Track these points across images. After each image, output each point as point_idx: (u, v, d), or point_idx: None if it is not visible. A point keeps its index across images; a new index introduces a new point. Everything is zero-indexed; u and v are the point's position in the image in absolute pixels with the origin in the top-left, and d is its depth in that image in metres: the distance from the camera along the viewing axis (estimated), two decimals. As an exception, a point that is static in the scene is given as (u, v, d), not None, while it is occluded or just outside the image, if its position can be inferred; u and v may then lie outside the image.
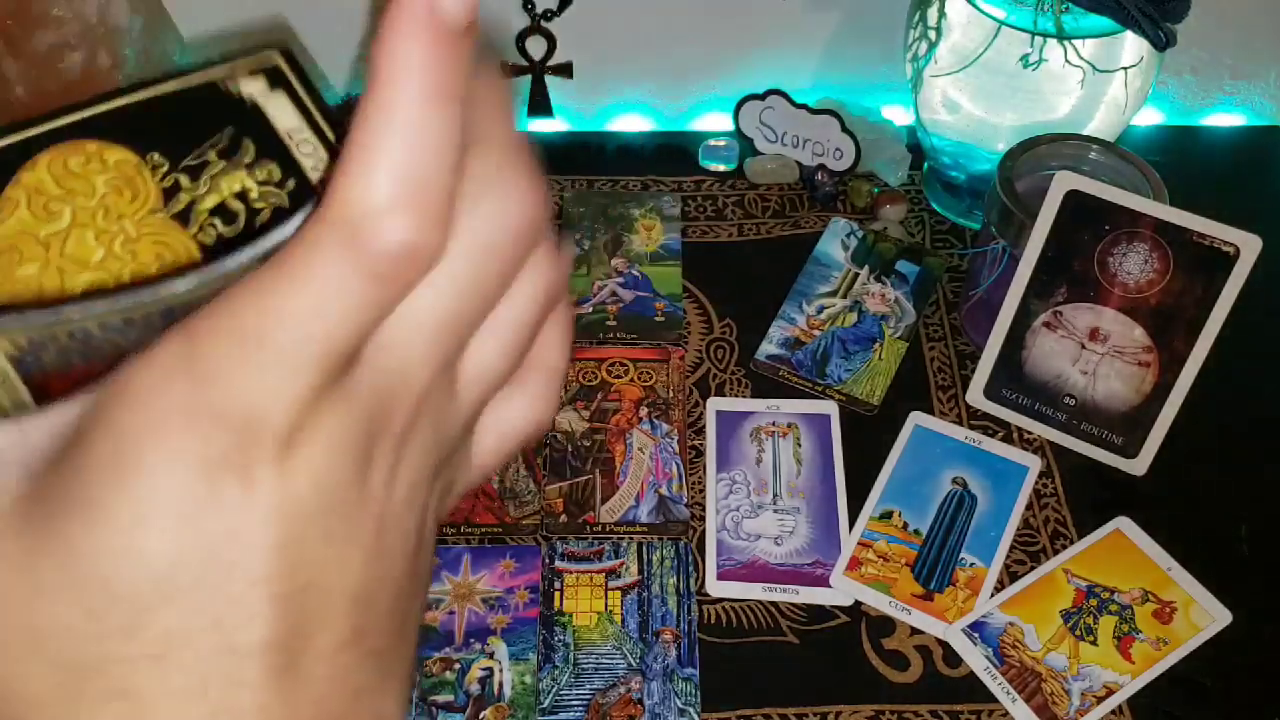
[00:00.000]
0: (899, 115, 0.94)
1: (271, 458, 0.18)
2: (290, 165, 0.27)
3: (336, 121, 0.27)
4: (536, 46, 0.92)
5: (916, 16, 0.80)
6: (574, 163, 0.93)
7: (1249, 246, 0.65)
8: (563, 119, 0.98)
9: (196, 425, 0.18)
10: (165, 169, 0.26)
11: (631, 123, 0.98)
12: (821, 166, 0.90)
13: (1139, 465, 0.73)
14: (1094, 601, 0.66)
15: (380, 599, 0.21)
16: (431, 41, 0.21)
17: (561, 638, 0.64)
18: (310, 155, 0.27)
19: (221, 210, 0.26)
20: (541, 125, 0.98)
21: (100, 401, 0.19)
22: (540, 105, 0.96)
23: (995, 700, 0.63)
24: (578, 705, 0.62)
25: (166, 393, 0.18)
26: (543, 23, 0.91)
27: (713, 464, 0.73)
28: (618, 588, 0.67)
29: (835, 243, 0.86)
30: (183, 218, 0.26)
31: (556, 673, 0.63)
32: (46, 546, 0.18)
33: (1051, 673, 0.63)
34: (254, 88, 0.28)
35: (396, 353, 0.20)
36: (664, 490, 0.71)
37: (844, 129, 0.89)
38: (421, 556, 0.23)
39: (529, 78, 0.94)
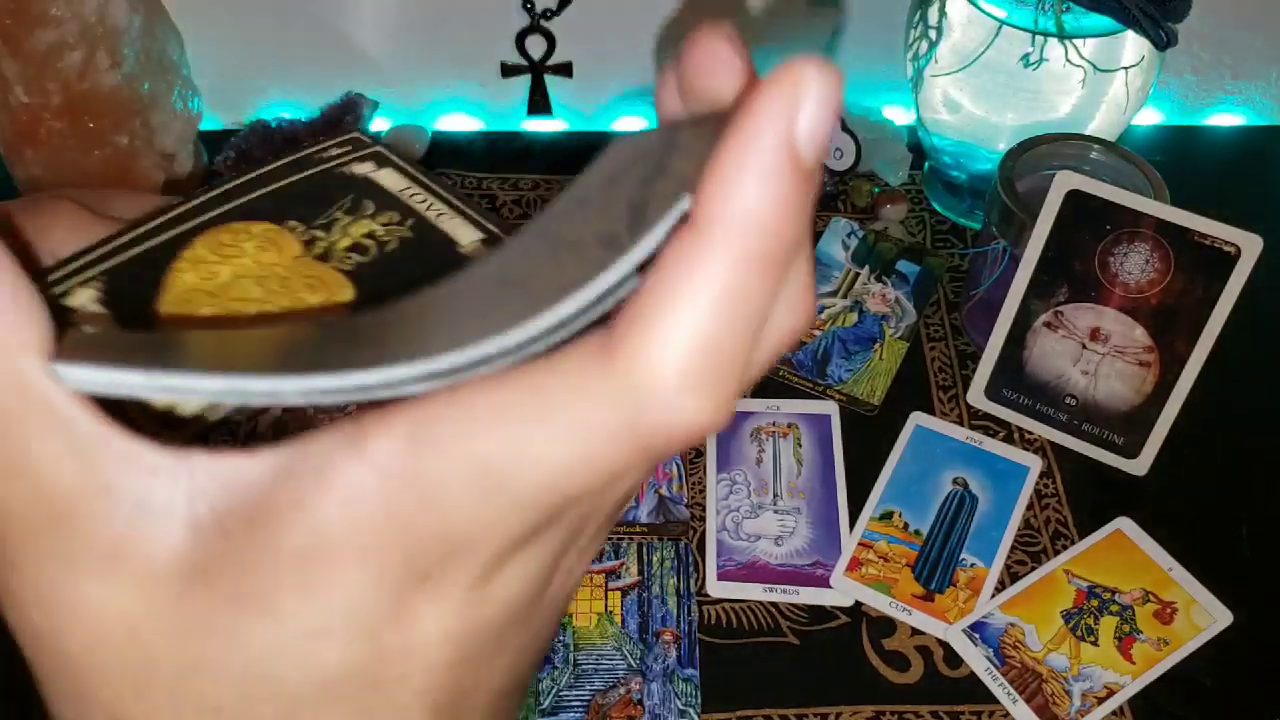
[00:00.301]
0: (899, 115, 0.94)
1: (471, 584, 0.17)
2: (407, 210, 0.32)
3: (443, 185, 0.34)
4: (536, 46, 0.92)
5: (917, 16, 0.80)
6: (574, 163, 0.93)
7: (1250, 246, 0.65)
8: (563, 119, 0.98)
9: (405, 542, 0.17)
10: (301, 229, 0.31)
11: (631, 123, 0.98)
12: (822, 166, 0.90)
13: (1140, 465, 0.72)
14: (1095, 602, 0.66)
15: (526, 672, 0.21)
16: (777, 183, 0.16)
17: (561, 638, 0.64)
18: (423, 202, 0.33)
19: (355, 247, 0.30)
20: (541, 125, 0.97)
21: (302, 483, 0.17)
22: (540, 105, 0.96)
23: (996, 701, 0.63)
24: (578, 706, 0.62)
25: (381, 500, 0.16)
26: (543, 23, 0.90)
27: (713, 464, 0.73)
28: (618, 588, 0.67)
29: (835, 243, 0.86)
30: (323, 257, 0.30)
31: (556, 673, 0.63)
32: (214, 627, 0.17)
33: (1052, 673, 0.63)
34: (364, 168, 0.36)
35: (620, 485, 0.19)
36: (664, 490, 0.71)
37: (844, 129, 0.89)
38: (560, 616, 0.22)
39: (529, 78, 0.94)
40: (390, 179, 0.36)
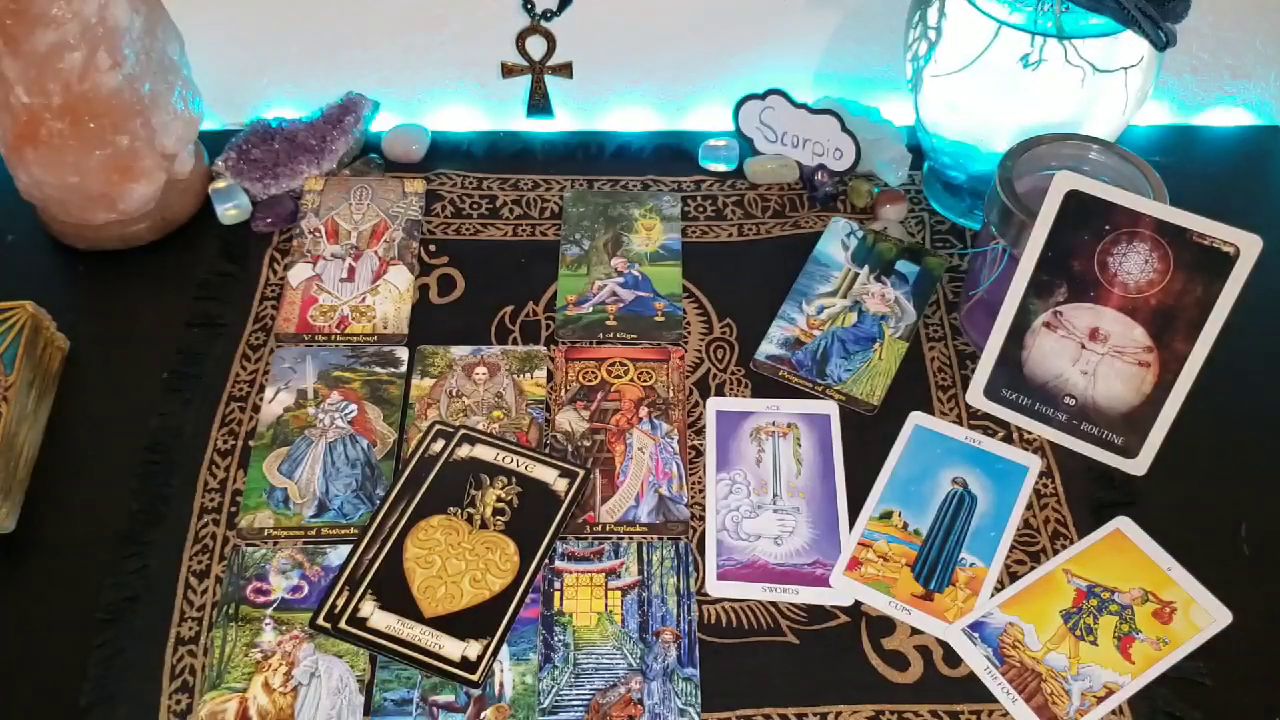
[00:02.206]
0: (899, 115, 0.94)
1: None
2: (510, 474, 0.69)
3: (513, 442, 0.70)
4: (536, 46, 0.92)
5: (916, 16, 0.80)
6: (574, 163, 0.93)
7: (1249, 246, 0.65)
8: (563, 119, 0.98)
9: None
10: (457, 511, 0.67)
11: (631, 122, 0.98)
12: (821, 166, 0.90)
13: (1139, 465, 0.73)
14: (1094, 601, 0.66)
15: None
16: None
17: (562, 638, 0.64)
18: (514, 463, 0.69)
19: (497, 512, 0.67)
20: (541, 125, 0.98)
21: None
22: (540, 105, 0.96)
23: (995, 700, 0.63)
24: (578, 705, 0.62)
25: None
26: (543, 23, 0.91)
27: (713, 464, 0.73)
28: (618, 588, 0.67)
29: (835, 243, 0.86)
30: (483, 525, 0.67)
31: (557, 673, 0.63)
32: None
33: (1051, 672, 0.63)
34: (463, 451, 0.69)
35: None
36: (664, 490, 0.71)
37: (844, 129, 0.89)
38: None
39: (529, 78, 0.94)
40: (483, 451, 0.69)
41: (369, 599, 0.64)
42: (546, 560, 0.67)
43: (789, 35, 0.93)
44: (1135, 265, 0.68)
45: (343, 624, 0.63)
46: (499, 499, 0.68)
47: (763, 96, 0.90)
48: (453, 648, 0.62)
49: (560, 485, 0.69)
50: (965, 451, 0.74)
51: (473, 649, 0.62)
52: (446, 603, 0.64)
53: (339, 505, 0.70)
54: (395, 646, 0.62)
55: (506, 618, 0.64)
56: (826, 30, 0.93)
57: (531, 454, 0.70)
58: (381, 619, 0.63)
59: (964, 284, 0.82)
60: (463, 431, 0.70)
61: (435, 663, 0.62)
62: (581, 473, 0.70)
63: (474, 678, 0.61)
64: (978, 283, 0.77)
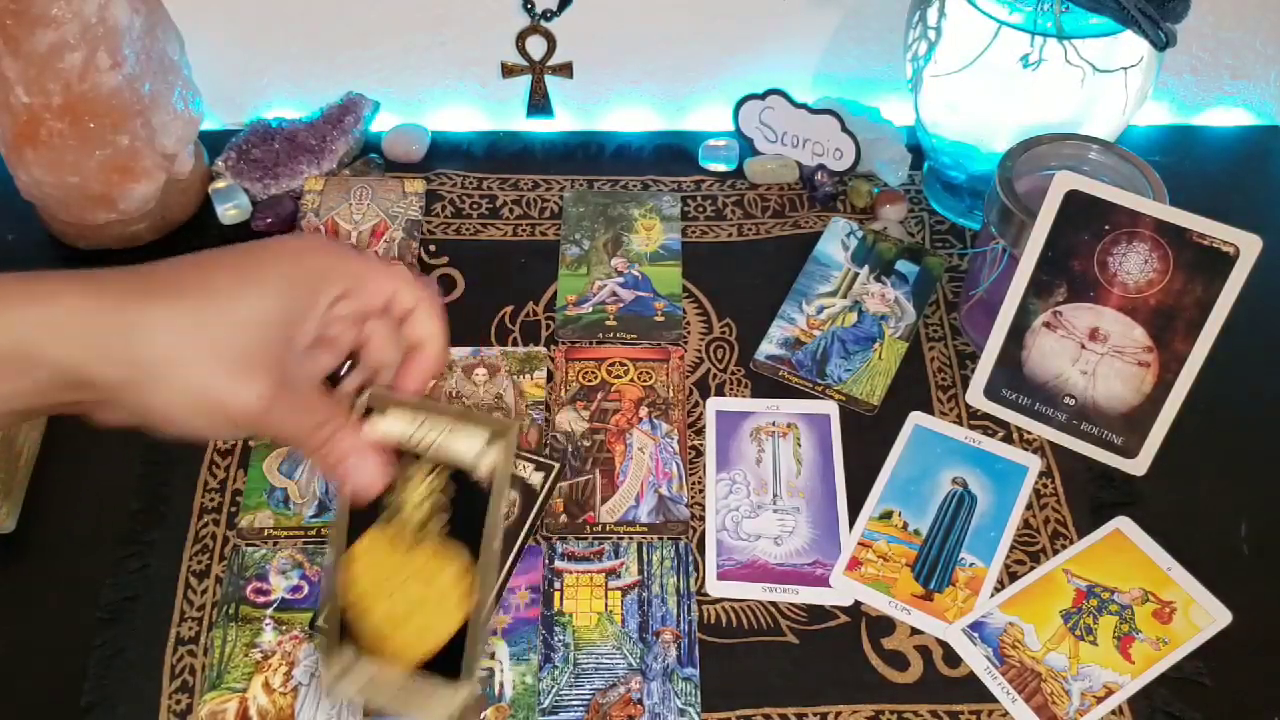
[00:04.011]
0: (899, 115, 0.94)
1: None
2: (432, 459, 0.49)
3: (432, 402, 0.51)
4: (536, 46, 0.92)
5: (916, 16, 0.80)
6: (574, 163, 0.93)
7: (1249, 246, 0.65)
8: (563, 119, 0.98)
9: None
10: (382, 526, 0.50)
11: (631, 123, 0.98)
12: (821, 166, 0.90)
13: (1139, 465, 0.73)
14: (1094, 601, 0.66)
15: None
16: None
17: (562, 638, 0.64)
18: (434, 432, 0.50)
19: (431, 518, 0.49)
20: (541, 125, 0.98)
21: None
22: (540, 105, 0.96)
23: (995, 700, 0.63)
24: (578, 705, 0.62)
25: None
26: (543, 23, 0.91)
27: (713, 464, 0.73)
28: (618, 588, 0.67)
29: (835, 243, 0.86)
30: (422, 538, 0.49)
31: (557, 673, 0.63)
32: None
33: (1051, 673, 0.63)
34: (379, 427, 0.51)
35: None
36: (664, 490, 0.71)
37: (844, 129, 0.89)
38: None
39: (529, 78, 0.94)
40: (397, 423, 0.49)
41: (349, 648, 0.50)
42: (535, 547, 0.67)
43: (789, 35, 0.93)
44: (1135, 265, 0.68)
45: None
46: (429, 501, 0.50)
47: (763, 96, 0.90)
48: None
49: (536, 479, 0.68)
50: (965, 451, 0.74)
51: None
52: (420, 645, 0.49)
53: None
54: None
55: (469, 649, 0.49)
56: (826, 30, 0.93)
57: (453, 414, 0.50)
58: (365, 669, 0.50)
59: (964, 284, 0.82)
60: (369, 393, 0.50)
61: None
62: (556, 467, 0.66)
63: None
64: (978, 283, 0.77)
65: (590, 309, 0.82)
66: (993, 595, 0.67)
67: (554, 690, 0.62)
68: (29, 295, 0.44)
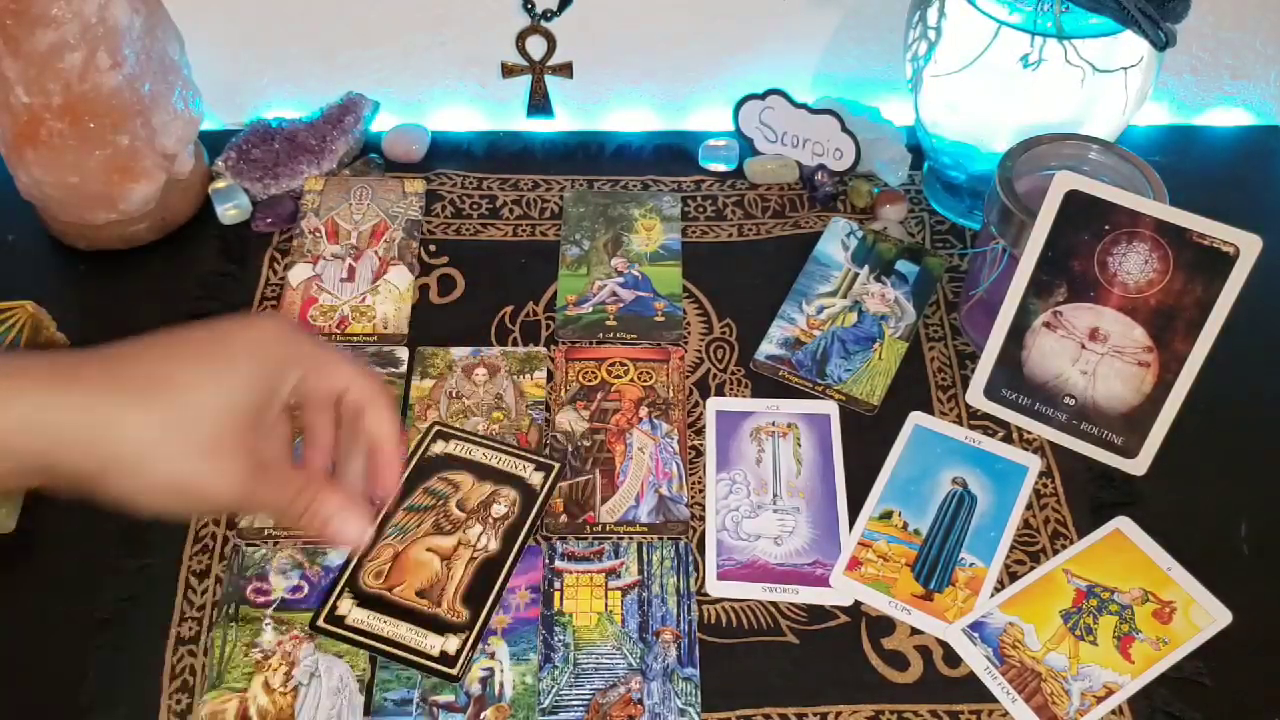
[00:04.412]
0: (899, 115, 0.94)
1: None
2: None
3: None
4: (536, 46, 0.92)
5: (916, 16, 0.80)
6: (574, 163, 0.93)
7: (1249, 246, 0.65)
8: (563, 119, 0.98)
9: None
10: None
11: (631, 123, 0.98)
12: (821, 166, 0.90)
13: (1139, 465, 0.73)
14: (1094, 601, 0.66)
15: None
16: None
17: (562, 638, 0.64)
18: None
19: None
20: (541, 125, 0.98)
21: None
22: (540, 105, 0.96)
23: (995, 700, 0.63)
24: (578, 705, 0.62)
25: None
26: (543, 23, 0.91)
27: (713, 464, 0.73)
28: (618, 588, 0.67)
29: (835, 243, 0.86)
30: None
31: (557, 673, 0.63)
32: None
33: (1051, 672, 0.63)
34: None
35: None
36: (664, 490, 0.71)
37: (844, 129, 0.89)
38: None
39: (529, 78, 0.94)
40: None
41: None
42: (535, 547, 0.67)
43: (789, 35, 0.93)
44: (1135, 265, 0.68)
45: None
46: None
47: (763, 96, 0.90)
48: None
49: (536, 479, 0.70)
50: (965, 451, 0.74)
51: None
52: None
53: (339, 505, 0.70)
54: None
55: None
56: (826, 30, 0.93)
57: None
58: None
59: (964, 284, 0.82)
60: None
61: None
62: (557, 466, 0.71)
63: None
64: (978, 283, 0.77)
65: (590, 309, 0.82)
66: (993, 595, 0.67)
67: (554, 690, 0.62)
68: None
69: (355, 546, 0.53)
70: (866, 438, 0.75)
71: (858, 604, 0.67)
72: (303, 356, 0.50)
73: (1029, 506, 0.71)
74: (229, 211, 0.87)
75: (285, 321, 0.57)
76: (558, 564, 0.68)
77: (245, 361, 0.48)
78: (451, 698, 0.62)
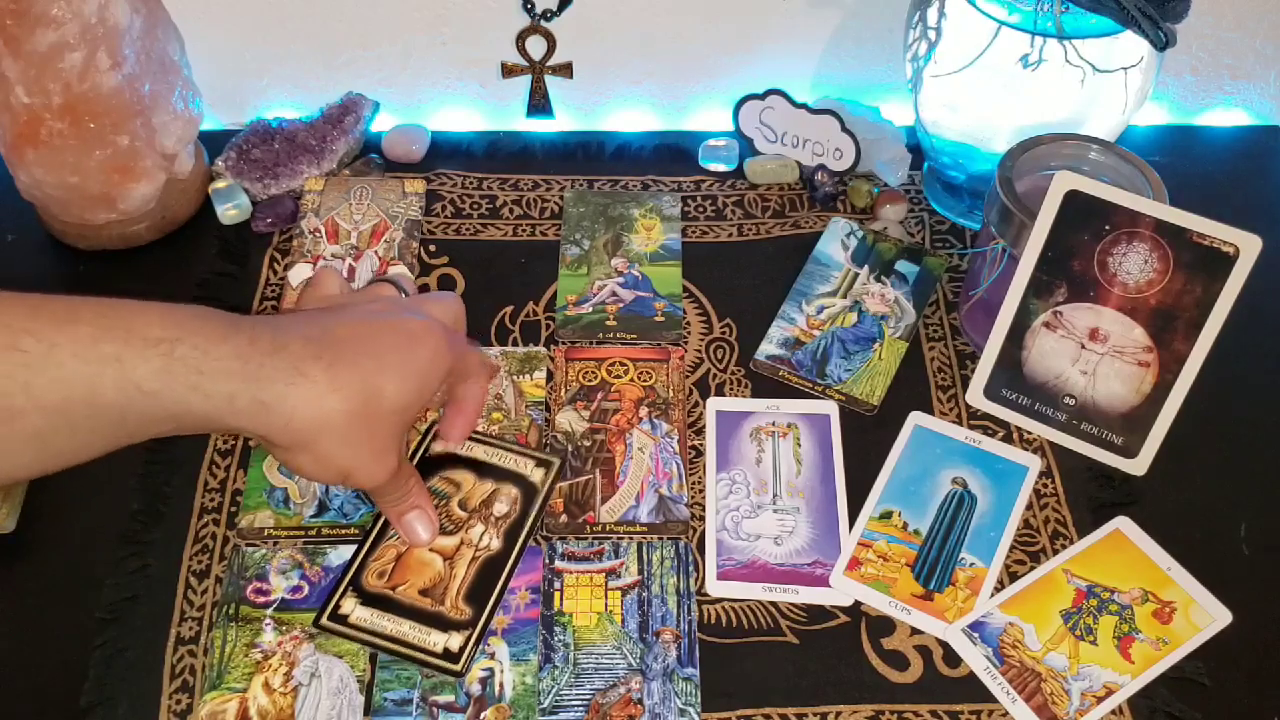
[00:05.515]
0: (899, 115, 0.94)
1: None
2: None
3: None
4: (536, 46, 0.92)
5: (916, 16, 0.80)
6: (574, 163, 0.93)
7: (1249, 246, 0.65)
8: (563, 119, 0.98)
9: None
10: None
11: (631, 123, 0.98)
12: (821, 166, 0.90)
13: (1139, 465, 0.73)
14: (1094, 601, 0.66)
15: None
16: None
17: (562, 638, 0.64)
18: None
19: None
20: (541, 125, 0.98)
21: None
22: (540, 105, 0.96)
23: (995, 700, 0.63)
24: (578, 705, 0.62)
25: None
26: (543, 23, 0.91)
27: (713, 464, 0.73)
28: (618, 588, 0.67)
29: (835, 243, 0.86)
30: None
31: (557, 673, 0.63)
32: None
33: (1051, 672, 0.63)
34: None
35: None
36: (664, 490, 0.71)
37: (844, 129, 0.89)
38: None
39: (529, 78, 0.94)
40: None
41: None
42: (535, 548, 0.67)
43: (789, 35, 0.93)
44: (1135, 265, 0.68)
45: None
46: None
47: (763, 96, 0.90)
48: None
49: (537, 475, 0.70)
50: (965, 451, 0.74)
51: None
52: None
53: (339, 505, 0.70)
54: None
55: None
56: (826, 30, 0.93)
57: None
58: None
59: (964, 284, 0.82)
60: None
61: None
62: (558, 462, 0.71)
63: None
64: (977, 283, 0.77)
65: (590, 309, 0.82)
66: (993, 595, 0.67)
67: (554, 690, 0.62)
68: (184, 365, 0.47)
69: (417, 544, 0.65)
70: (866, 438, 0.75)
71: (857, 604, 0.67)
72: (460, 369, 0.60)
73: (1029, 506, 0.71)
74: (229, 211, 0.87)
75: (450, 331, 0.59)
76: (558, 564, 0.68)
77: (428, 372, 0.55)
78: (451, 698, 0.62)
